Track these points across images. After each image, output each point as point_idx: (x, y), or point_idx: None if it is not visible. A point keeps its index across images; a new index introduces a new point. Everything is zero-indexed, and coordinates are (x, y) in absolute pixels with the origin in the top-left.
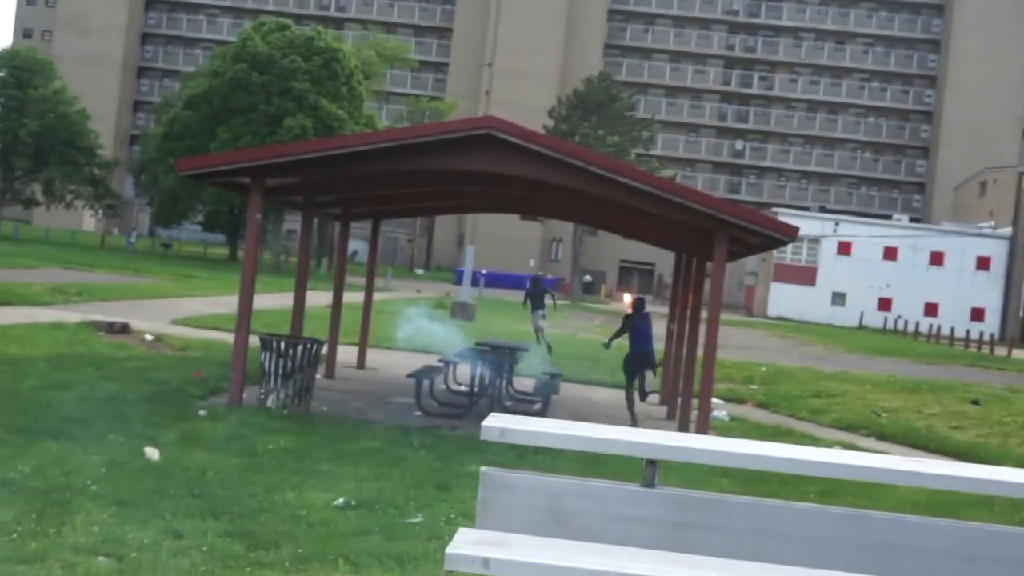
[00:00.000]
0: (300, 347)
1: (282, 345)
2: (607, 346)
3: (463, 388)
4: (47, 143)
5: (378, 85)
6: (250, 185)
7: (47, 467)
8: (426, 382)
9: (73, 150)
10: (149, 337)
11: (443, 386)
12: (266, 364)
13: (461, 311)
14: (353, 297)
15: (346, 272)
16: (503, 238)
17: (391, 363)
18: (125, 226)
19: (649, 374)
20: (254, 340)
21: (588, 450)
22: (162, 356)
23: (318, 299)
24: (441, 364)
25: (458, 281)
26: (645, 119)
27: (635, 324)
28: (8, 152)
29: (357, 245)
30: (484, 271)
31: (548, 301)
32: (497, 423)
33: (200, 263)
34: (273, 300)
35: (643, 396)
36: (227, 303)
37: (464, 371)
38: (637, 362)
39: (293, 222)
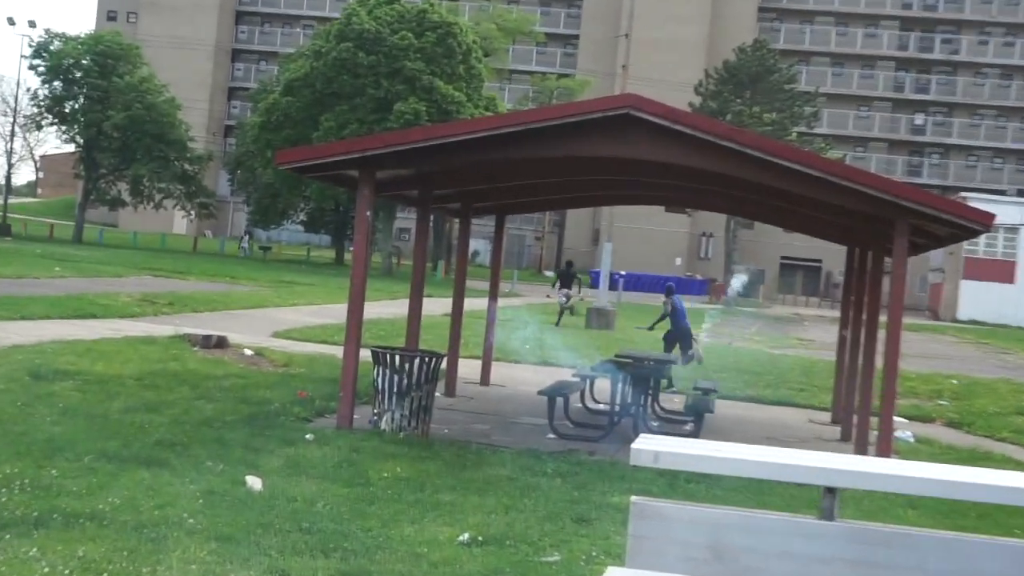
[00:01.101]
0: (417, 361)
1: (397, 359)
2: (651, 329)
3: (602, 406)
4: (134, 137)
5: (499, 62)
6: (359, 178)
7: (139, 498)
8: (560, 400)
9: (162, 144)
10: (248, 352)
11: (579, 404)
12: (379, 381)
13: (597, 319)
14: (475, 304)
15: (467, 275)
16: (645, 234)
17: (519, 379)
18: (220, 228)
19: (695, 344)
20: (365, 354)
21: (759, 477)
22: (263, 373)
23: (435, 306)
24: (576, 380)
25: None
26: (808, 92)
27: (676, 307)
28: (92, 147)
29: (478, 245)
30: (623, 273)
31: (573, 291)
32: (650, 445)
33: (303, 268)
34: (385, 308)
35: (688, 360)
36: (334, 312)
37: (603, 387)
38: (680, 336)
39: (406, 220)
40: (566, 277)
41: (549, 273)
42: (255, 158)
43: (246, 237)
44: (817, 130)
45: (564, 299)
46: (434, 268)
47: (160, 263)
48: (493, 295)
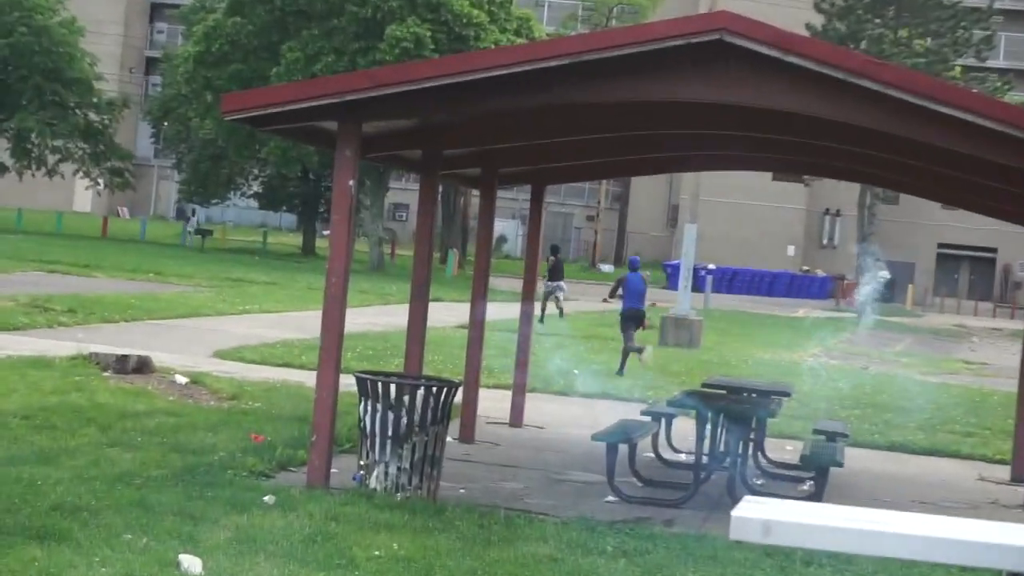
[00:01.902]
0: (421, 393)
1: (392, 390)
2: (607, 300)
3: (683, 457)
4: (16, 74)
5: None
6: (338, 134)
7: None
8: (624, 448)
9: (57, 84)
10: (181, 379)
11: (650, 454)
12: (367, 421)
13: (676, 332)
14: (502, 311)
15: (490, 270)
16: (743, 213)
17: (565, 417)
18: (140, 204)
19: (648, 351)
20: (347, 382)
21: (909, 557)
22: (202, 409)
23: (446, 315)
24: (647, 419)
25: (670, 283)
26: (977, 10)
27: (627, 284)
28: None
29: (506, 228)
30: (712, 267)
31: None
32: (756, 512)
33: (257, 260)
34: (375, 318)
35: (627, 352)
36: (301, 323)
37: (684, 429)
38: (629, 318)
39: (403, 192)
40: (556, 268)
41: (607, 268)
42: (189, 104)
43: (193, 219)
44: (989, 63)
45: (559, 294)
46: (443, 260)
47: (55, 253)
48: (527, 297)
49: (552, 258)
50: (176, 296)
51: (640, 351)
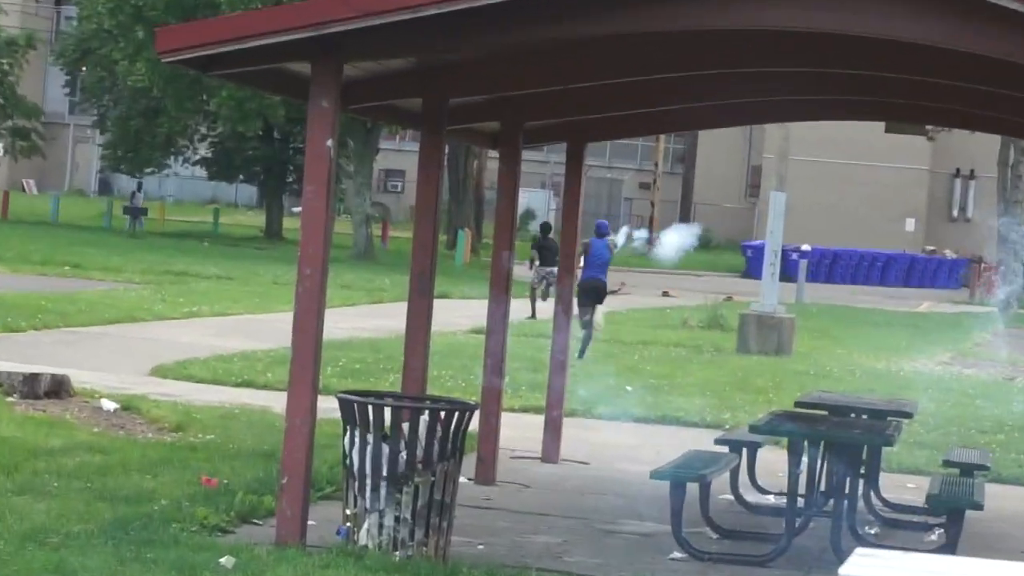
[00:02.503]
0: (425, 419)
1: (387, 415)
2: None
3: (771, 499)
4: None
5: None
6: (312, 78)
7: None
8: (692, 488)
9: None
10: (109, 405)
11: (728, 496)
12: (354, 456)
13: (759, 334)
14: (528, 308)
15: (514, 256)
16: (847, 176)
17: (616, 448)
18: (51, 175)
19: (599, 315)
20: (327, 405)
21: None
22: (137, 444)
23: (456, 315)
24: (723, 450)
25: (751, 269)
26: None
27: (591, 250)
28: None
29: (533, 199)
30: (805, 248)
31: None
32: (871, 569)
33: (207, 246)
34: (362, 320)
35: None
36: (264, 329)
37: (772, 463)
38: (588, 290)
39: (397, 156)
40: (546, 251)
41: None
42: (114, 43)
43: (139, 196)
44: None
45: (545, 283)
46: (452, 244)
47: None
48: (563, 291)
49: (541, 237)
50: (101, 296)
51: (588, 325)
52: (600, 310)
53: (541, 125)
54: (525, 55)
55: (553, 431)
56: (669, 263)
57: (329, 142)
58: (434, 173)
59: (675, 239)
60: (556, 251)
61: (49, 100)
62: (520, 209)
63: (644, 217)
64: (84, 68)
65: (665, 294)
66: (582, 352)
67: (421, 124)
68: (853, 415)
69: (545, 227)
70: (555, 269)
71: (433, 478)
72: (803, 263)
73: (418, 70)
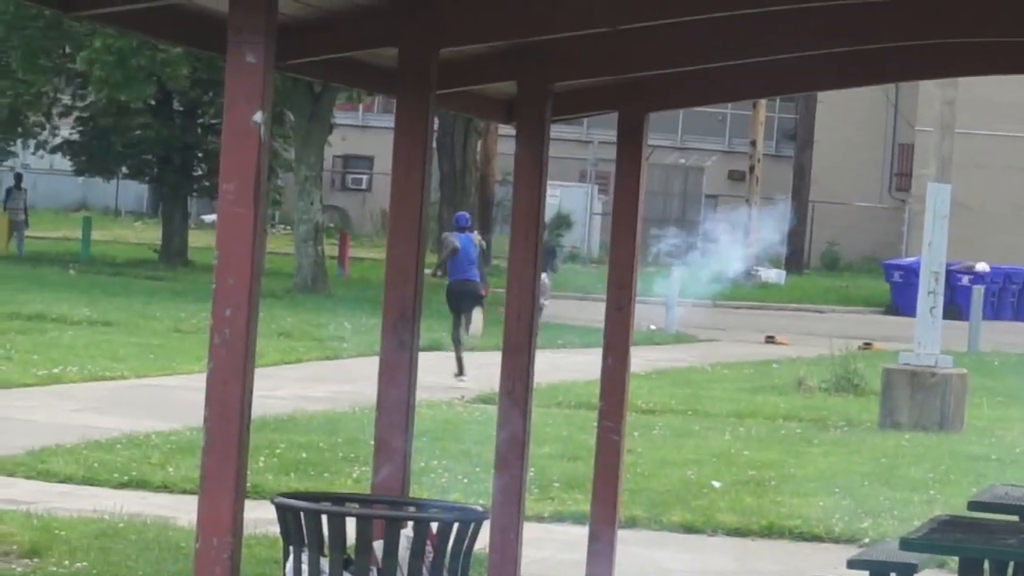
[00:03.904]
0: (406, 534)
1: (348, 529)
2: (437, 275)
3: None
4: None
5: None
6: (231, 13)
7: None
8: None
9: None
10: None
11: None
12: None
13: (913, 396)
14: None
15: (540, 283)
16: None
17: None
18: None
19: (476, 318)
20: (257, 515)
21: None
22: None
23: (451, 376)
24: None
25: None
26: None
27: (455, 247)
28: None
29: (567, 198)
30: (980, 267)
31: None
32: None
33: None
34: (310, 385)
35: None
36: (160, 400)
37: None
38: (459, 294)
39: (358, 132)
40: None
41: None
42: None
43: (22, 191)
44: None
45: (543, 299)
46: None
47: None
48: (617, 336)
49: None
50: None
51: (458, 344)
52: (477, 317)
53: (578, 86)
54: None
55: (602, 550)
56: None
57: (258, 115)
58: (418, 156)
59: None
60: (552, 254)
61: None
62: (549, 212)
63: (736, 224)
64: None
65: (770, 340)
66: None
67: (395, 84)
68: None
69: (549, 247)
70: (545, 278)
71: None
72: (977, 291)
73: (391, 5)
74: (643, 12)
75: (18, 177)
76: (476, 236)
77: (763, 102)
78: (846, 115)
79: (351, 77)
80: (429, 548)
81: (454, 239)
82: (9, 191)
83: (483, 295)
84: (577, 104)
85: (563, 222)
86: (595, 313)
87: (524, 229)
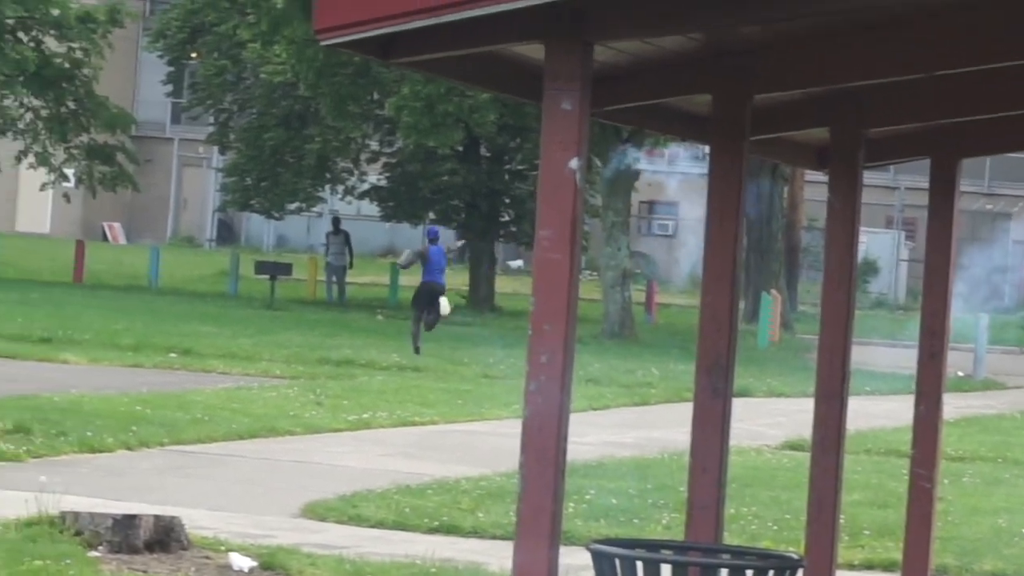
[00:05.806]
0: None
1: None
2: (402, 268)
3: None
4: None
5: None
6: (547, 61)
7: None
8: None
9: None
10: (242, 563)
11: None
12: None
13: None
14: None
15: (852, 328)
16: None
17: None
18: (147, 214)
19: (443, 301)
20: (571, 560)
21: None
22: None
23: (760, 422)
24: None
25: None
26: None
27: (429, 256)
28: None
29: (874, 244)
30: None
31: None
32: None
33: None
34: (617, 432)
35: (431, 326)
36: (470, 445)
37: None
38: (428, 293)
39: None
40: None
41: None
42: (237, 17)
43: (340, 234)
44: None
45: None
46: (753, 315)
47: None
48: (928, 386)
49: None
50: (225, 397)
51: (417, 338)
52: (444, 302)
53: (891, 132)
54: (865, 26)
55: None
56: None
57: (574, 162)
58: (732, 204)
59: None
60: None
61: (143, 104)
62: (858, 257)
63: None
64: (195, 55)
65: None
66: (417, 348)
67: (708, 131)
68: None
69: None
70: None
71: None
72: None
73: (704, 52)
74: (963, 58)
75: (335, 221)
76: (447, 248)
77: None
78: None
79: (664, 124)
80: None
81: (426, 249)
82: (328, 236)
83: (444, 292)
84: (890, 150)
85: (870, 268)
86: (901, 359)
87: (837, 276)
